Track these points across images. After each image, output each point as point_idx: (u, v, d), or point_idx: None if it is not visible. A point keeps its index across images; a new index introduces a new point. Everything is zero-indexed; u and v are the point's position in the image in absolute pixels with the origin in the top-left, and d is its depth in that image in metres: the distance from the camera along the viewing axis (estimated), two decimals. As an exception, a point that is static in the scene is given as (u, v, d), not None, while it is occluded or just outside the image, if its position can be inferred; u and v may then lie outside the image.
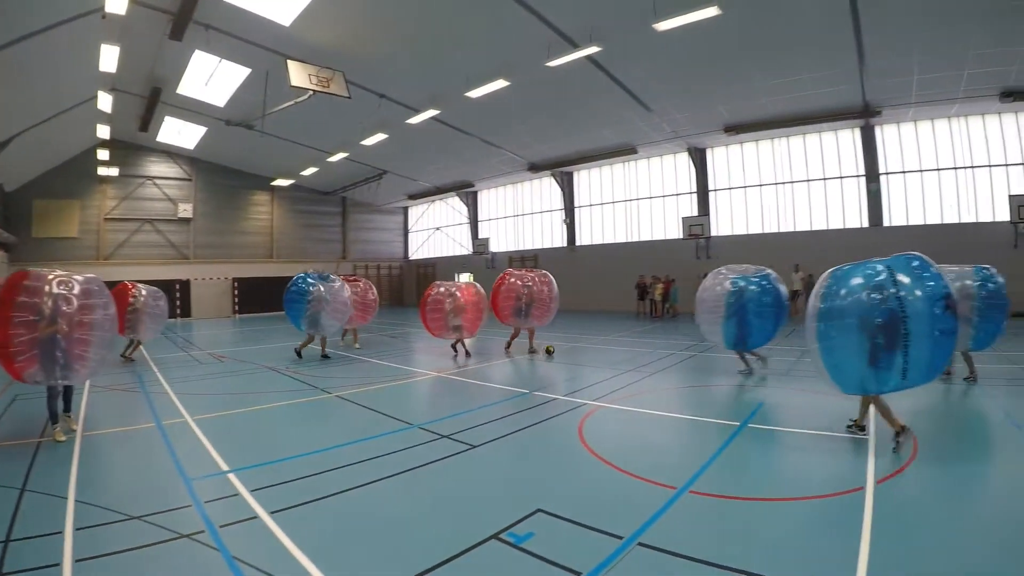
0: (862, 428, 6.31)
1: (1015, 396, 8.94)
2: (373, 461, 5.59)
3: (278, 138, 25.05)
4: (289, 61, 16.59)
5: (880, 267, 5.73)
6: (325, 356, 13.38)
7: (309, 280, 13.35)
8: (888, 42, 17.46)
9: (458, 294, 13.50)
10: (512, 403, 8.46)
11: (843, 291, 5.78)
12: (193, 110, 23.07)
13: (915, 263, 5.72)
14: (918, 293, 5.39)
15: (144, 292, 13.48)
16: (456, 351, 13.70)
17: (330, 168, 30.25)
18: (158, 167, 30.60)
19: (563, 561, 3.53)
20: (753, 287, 9.98)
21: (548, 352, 13.59)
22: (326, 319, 13.13)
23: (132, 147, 28.70)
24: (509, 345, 14.31)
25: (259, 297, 32.18)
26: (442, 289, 13.76)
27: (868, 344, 5.58)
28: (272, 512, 4.26)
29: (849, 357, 5.71)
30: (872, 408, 6.24)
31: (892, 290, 5.44)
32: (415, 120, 22.04)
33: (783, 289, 10.37)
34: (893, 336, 5.36)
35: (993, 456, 5.96)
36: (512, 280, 14.16)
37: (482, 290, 14.17)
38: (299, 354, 13.36)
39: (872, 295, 5.57)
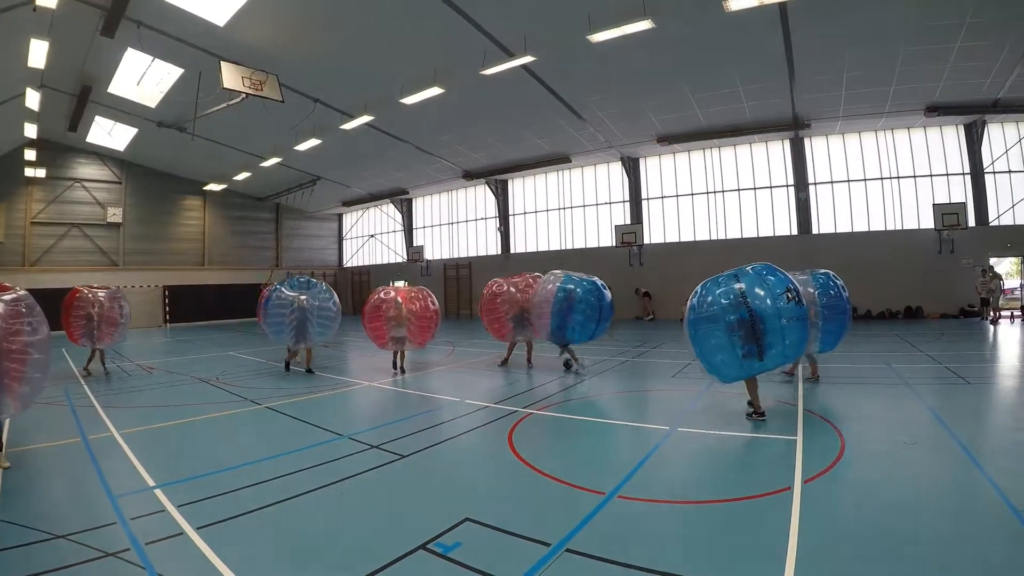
0: (761, 414, 7.83)
1: (942, 395, 9.71)
2: (302, 473, 5.79)
3: (211, 141, 25.37)
4: (222, 62, 16.68)
5: (731, 277, 7.70)
6: (309, 371, 12.87)
7: (285, 290, 12.87)
8: (818, 58, 18.84)
9: (400, 301, 12.81)
10: (444, 412, 8.90)
11: (708, 300, 7.68)
12: (124, 110, 23.15)
13: (762, 270, 7.73)
14: (761, 292, 7.39)
15: (102, 295, 13.20)
16: (395, 367, 12.97)
17: (263, 173, 30.72)
18: (87, 169, 30.62)
19: (490, 570, 3.73)
20: (579, 289, 11.87)
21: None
22: (314, 329, 12.72)
23: (60, 147, 28.52)
24: (506, 361, 13.84)
25: (190, 306, 32.30)
26: (383, 295, 13.12)
27: (732, 340, 7.44)
28: (198, 528, 4.38)
29: (720, 353, 7.59)
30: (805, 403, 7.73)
31: (741, 293, 7.44)
32: (349, 126, 22.63)
33: (608, 294, 12.15)
34: (750, 331, 7.31)
35: (919, 453, 6.47)
36: (506, 288, 13.94)
37: (435, 299, 13.53)
38: (288, 366, 13.16)
39: (727, 301, 7.48)
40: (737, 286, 7.50)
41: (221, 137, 25.38)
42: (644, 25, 14.90)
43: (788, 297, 7.42)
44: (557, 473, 5.70)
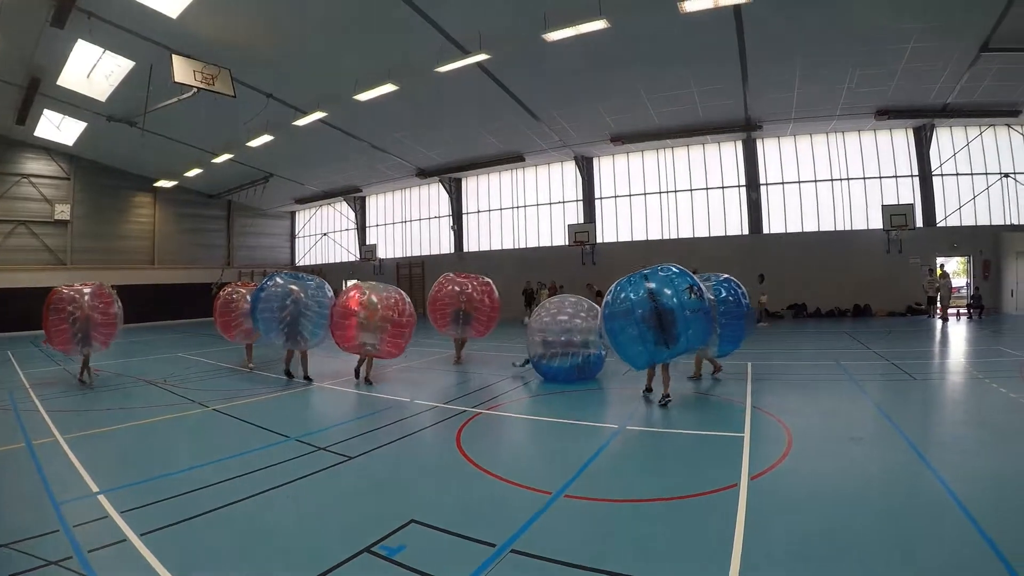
0: (650, 390, 9.43)
1: (889, 391, 10.32)
2: (248, 476, 5.87)
3: (161, 136, 25.33)
4: (174, 56, 16.72)
5: (642, 276, 9.02)
6: (308, 378, 11.75)
7: (279, 280, 11.79)
8: (771, 61, 19.78)
9: (376, 302, 11.60)
10: (392, 412, 9.08)
11: (621, 297, 9.03)
12: (74, 104, 23.06)
13: (672, 270, 9.08)
14: (667, 290, 8.71)
15: (86, 293, 11.91)
16: (358, 375, 11.92)
17: (215, 170, 30.86)
18: (35, 164, 30.12)
19: (435, 572, 3.84)
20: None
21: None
22: (308, 328, 11.49)
23: (7, 141, 28.31)
24: (458, 359, 14.47)
25: (140, 306, 31.09)
26: (355, 295, 11.84)
27: (642, 331, 8.71)
28: (142, 534, 4.43)
29: (633, 343, 8.85)
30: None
31: (648, 288, 8.76)
32: (303, 122, 23.10)
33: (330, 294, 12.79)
34: (658, 322, 8.63)
35: (865, 449, 6.76)
36: (451, 287, 14.36)
37: (409, 303, 12.37)
38: (289, 375, 12.05)
39: (637, 297, 8.82)
40: (647, 284, 8.82)
41: (172, 132, 25.44)
42: (599, 25, 15.53)
43: (691, 293, 8.75)
44: (504, 473, 5.94)
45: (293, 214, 43.72)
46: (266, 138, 24.73)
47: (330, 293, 12.02)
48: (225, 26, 17.31)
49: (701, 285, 9.15)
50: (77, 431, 8.11)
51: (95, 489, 5.58)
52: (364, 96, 20.52)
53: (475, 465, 6.27)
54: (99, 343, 12.12)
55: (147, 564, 4.02)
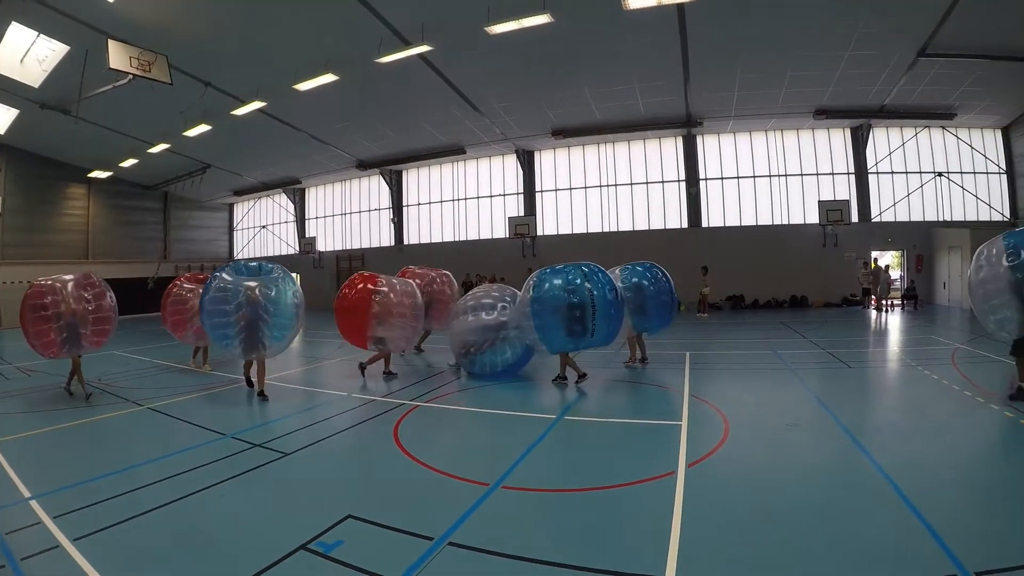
0: (564, 378, 10.46)
1: (824, 378, 10.99)
2: (184, 475, 5.92)
3: (96, 125, 25.34)
4: (110, 41, 16.51)
5: (570, 268, 10.25)
6: (262, 395, 10.09)
7: (226, 276, 10.05)
8: (713, 60, 20.78)
9: (385, 289, 11.90)
10: (330, 407, 9.29)
11: (545, 286, 10.19)
12: (5, 90, 22.66)
13: (593, 267, 10.37)
14: (589, 287, 9.95)
15: (70, 286, 10.34)
16: (364, 373, 11.97)
17: (151, 160, 30.46)
18: None
19: (372, 567, 3.94)
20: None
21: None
22: (268, 333, 9.85)
23: None
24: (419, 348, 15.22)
25: None
26: (382, 285, 11.98)
27: (565, 320, 9.93)
28: (75, 539, 4.44)
29: (553, 329, 10.06)
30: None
31: (579, 283, 10.01)
32: (241, 112, 23.31)
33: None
34: (581, 314, 9.86)
35: (801, 435, 7.15)
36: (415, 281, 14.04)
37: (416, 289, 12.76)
38: (251, 382, 10.63)
39: (570, 289, 10.03)
40: (578, 280, 10.07)
41: (107, 121, 25.44)
42: (542, 19, 16.12)
43: (614, 293, 10.22)
44: (441, 465, 6.13)
45: (231, 206, 43.73)
46: (203, 128, 24.91)
47: (297, 289, 10.48)
48: (163, 11, 17.14)
49: (618, 286, 10.64)
50: (7, 434, 8.00)
51: (27, 494, 5.59)
52: (304, 86, 20.82)
53: (412, 458, 6.47)
54: (90, 344, 10.60)
55: (81, 570, 4.06)
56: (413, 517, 4.77)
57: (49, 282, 10.39)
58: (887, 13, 18.14)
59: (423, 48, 18.47)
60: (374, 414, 8.75)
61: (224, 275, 10.18)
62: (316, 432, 7.83)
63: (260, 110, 23.86)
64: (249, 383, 10.71)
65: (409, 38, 18.49)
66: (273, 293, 10.00)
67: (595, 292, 10.06)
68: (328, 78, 20.45)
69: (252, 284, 9.94)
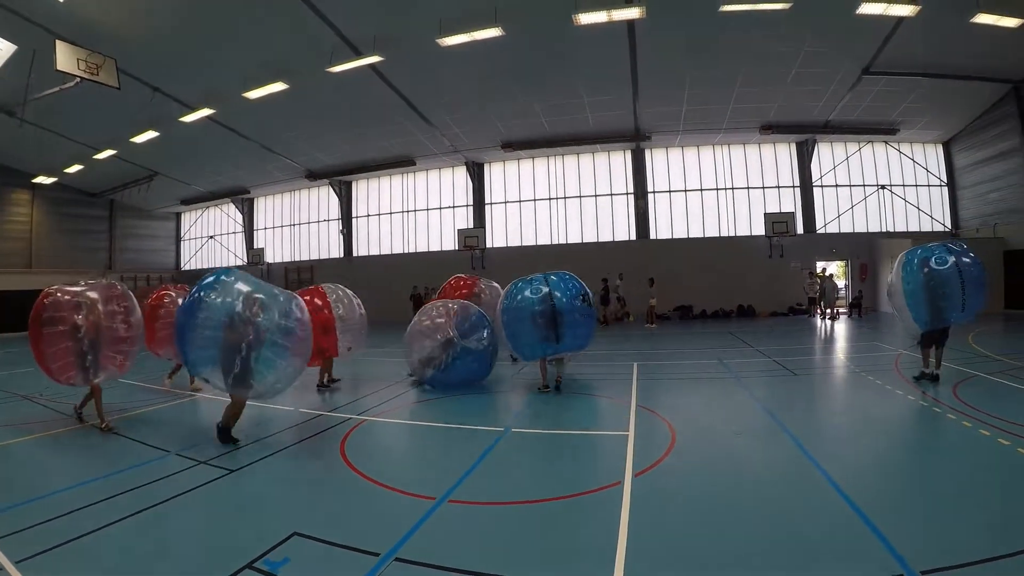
0: (547, 387, 10.89)
1: (770, 386, 11.33)
2: (129, 494, 5.79)
3: (42, 128, 25.08)
4: (58, 42, 16.23)
5: (541, 279, 10.78)
6: (232, 440, 7.90)
7: (227, 281, 7.76)
8: (662, 76, 21.75)
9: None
10: (276, 422, 9.16)
11: (518, 297, 10.73)
12: None
13: (565, 275, 10.98)
14: (558, 295, 10.49)
15: (92, 295, 8.80)
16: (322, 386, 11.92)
17: (97, 166, 30.45)
18: None
19: None
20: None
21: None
22: (271, 367, 7.63)
23: None
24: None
25: (14, 314, 27.29)
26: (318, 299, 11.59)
27: (536, 327, 10.44)
28: (18, 561, 4.41)
29: (526, 337, 10.64)
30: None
31: (546, 290, 10.52)
32: (190, 119, 23.49)
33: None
34: (551, 321, 10.36)
35: (747, 443, 7.32)
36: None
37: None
38: (232, 439, 7.92)
39: (536, 297, 10.57)
40: (544, 288, 10.62)
41: (53, 125, 25.17)
42: (494, 32, 16.83)
43: (582, 299, 10.77)
44: (389, 480, 6.13)
45: (179, 215, 43.57)
46: (151, 134, 24.94)
47: (299, 305, 8.26)
48: (112, 13, 17.17)
49: (590, 293, 11.18)
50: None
51: (-34, 515, 5.27)
52: (254, 94, 21.23)
53: (359, 473, 6.48)
54: (114, 367, 9.13)
55: (25, 592, 3.88)
56: (359, 533, 4.85)
57: (72, 296, 8.76)
58: (832, 33, 19.35)
59: (374, 59, 19.03)
60: (321, 429, 8.70)
61: (221, 283, 7.78)
62: (262, 448, 7.71)
63: (209, 117, 24.14)
64: (231, 440, 7.98)
65: (360, 48, 18.99)
66: (276, 315, 7.73)
67: (564, 299, 10.67)
68: (278, 86, 20.93)
69: (262, 297, 7.80)
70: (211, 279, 7.88)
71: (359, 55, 19.00)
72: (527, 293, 10.84)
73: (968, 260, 10.14)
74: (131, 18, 17.64)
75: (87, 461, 7.54)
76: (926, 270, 10.18)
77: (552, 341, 10.66)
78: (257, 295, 7.81)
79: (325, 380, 12.18)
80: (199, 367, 7.92)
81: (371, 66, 20.01)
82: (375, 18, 17.79)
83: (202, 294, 7.70)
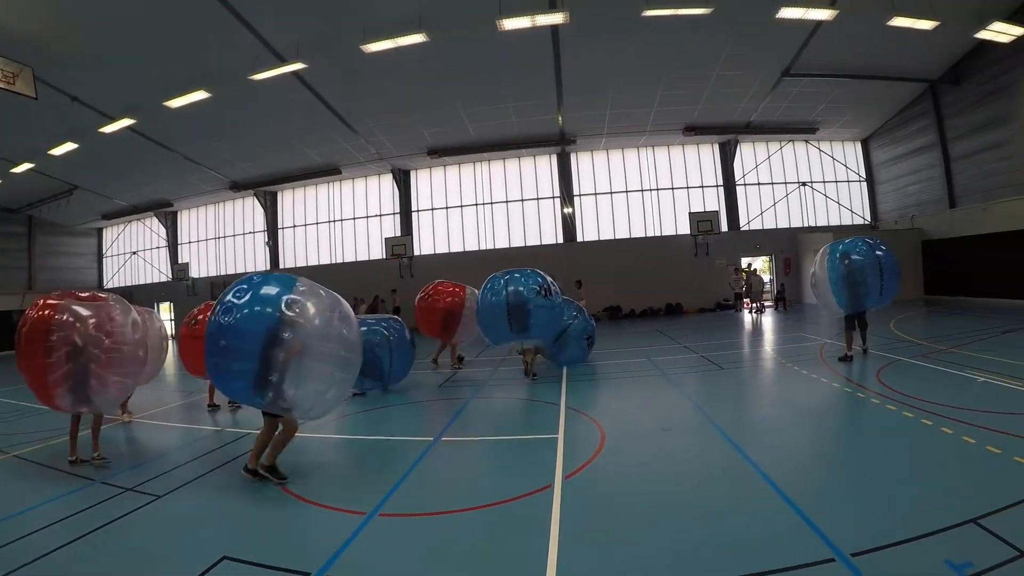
0: (534, 375, 12.58)
1: (698, 382, 11.85)
2: (52, 528, 5.74)
3: None
4: None
5: (503, 277, 12.34)
6: (280, 477, 6.90)
7: (260, 284, 6.77)
8: (586, 80, 22.42)
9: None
10: (204, 443, 9.12)
11: (489, 290, 12.29)
12: None
13: (528, 271, 12.48)
14: (522, 290, 12.00)
15: (84, 311, 7.83)
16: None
17: (14, 181, 29.55)
18: None
19: None
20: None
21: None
22: (315, 379, 6.67)
23: None
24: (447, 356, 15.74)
25: None
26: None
27: (508, 317, 11.87)
28: None
29: (499, 327, 12.14)
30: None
31: (510, 288, 12.02)
32: (109, 129, 22.99)
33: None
34: (521, 314, 11.88)
35: (676, 438, 7.61)
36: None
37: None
38: (272, 472, 6.97)
39: (503, 291, 12.05)
40: (509, 287, 12.09)
41: None
42: (417, 39, 17.11)
43: (539, 292, 12.06)
44: (318, 497, 6.18)
45: (100, 231, 42.93)
46: (70, 146, 24.64)
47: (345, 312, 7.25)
48: (28, 19, 16.87)
49: (553, 286, 12.49)
50: None
51: None
52: (176, 103, 21.21)
53: (288, 492, 6.49)
54: (113, 392, 8.25)
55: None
56: (290, 553, 4.93)
57: (57, 311, 7.80)
58: (753, 36, 20.27)
59: (297, 66, 19.09)
60: (248, 448, 7.74)
61: (252, 294, 6.68)
62: (189, 471, 7.65)
63: (130, 128, 23.92)
64: (271, 473, 7.09)
65: (284, 55, 19.04)
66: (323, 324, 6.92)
67: (525, 293, 12.13)
68: (200, 95, 20.95)
69: (312, 305, 6.90)
70: (232, 294, 6.82)
71: (283, 62, 19.04)
72: (498, 289, 12.32)
73: (881, 252, 12.02)
74: (47, 26, 17.37)
75: (9, 492, 7.31)
76: (847, 262, 11.96)
77: (523, 331, 12.17)
78: (310, 303, 6.96)
79: (212, 400, 11.85)
80: (238, 390, 7.13)
81: (295, 74, 20.12)
82: (299, 25, 17.92)
83: (230, 313, 6.64)
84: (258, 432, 7.22)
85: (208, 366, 6.88)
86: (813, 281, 12.75)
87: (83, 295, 8.16)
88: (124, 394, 8.92)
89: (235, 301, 6.53)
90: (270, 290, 6.69)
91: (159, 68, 19.79)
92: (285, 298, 6.59)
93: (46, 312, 7.74)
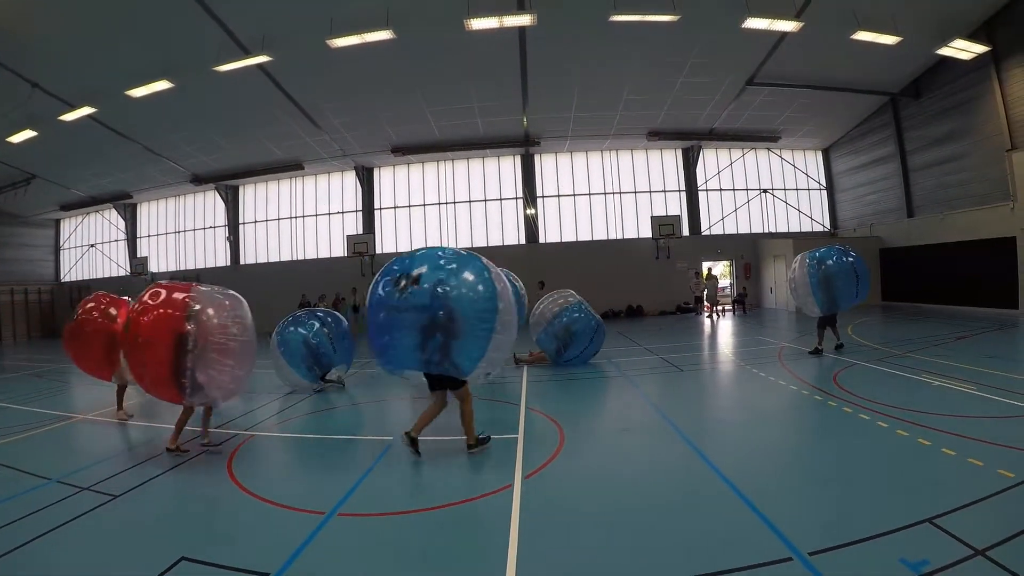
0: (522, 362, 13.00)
1: (657, 383, 12.04)
2: (6, 529, 5.70)
3: None
4: None
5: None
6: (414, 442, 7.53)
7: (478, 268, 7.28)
8: (552, 82, 22.86)
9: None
10: (159, 442, 8.92)
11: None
12: None
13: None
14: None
15: (238, 305, 8.26)
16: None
17: None
18: None
19: None
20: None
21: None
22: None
23: None
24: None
25: None
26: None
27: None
28: None
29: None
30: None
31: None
32: (70, 117, 23.04)
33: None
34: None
35: (634, 438, 7.88)
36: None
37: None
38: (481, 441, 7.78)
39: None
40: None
41: None
42: (385, 35, 17.32)
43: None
44: (277, 497, 6.22)
45: (58, 223, 42.64)
46: (29, 134, 24.44)
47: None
48: None
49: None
50: None
51: None
52: (138, 92, 21.15)
53: (247, 491, 6.53)
54: (231, 384, 8.45)
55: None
56: (249, 553, 4.92)
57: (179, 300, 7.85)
58: (718, 45, 20.98)
59: (262, 58, 19.23)
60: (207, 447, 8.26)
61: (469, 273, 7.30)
62: (147, 470, 7.60)
63: (91, 116, 23.88)
64: (480, 442, 7.94)
65: (249, 47, 19.14)
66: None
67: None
68: (163, 85, 20.95)
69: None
70: (399, 268, 7.51)
71: (248, 54, 19.12)
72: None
73: (852, 258, 13.76)
74: (8, 8, 17.33)
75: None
76: (823, 267, 13.57)
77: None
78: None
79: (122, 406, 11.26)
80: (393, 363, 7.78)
81: (260, 67, 20.23)
82: (265, 17, 17.96)
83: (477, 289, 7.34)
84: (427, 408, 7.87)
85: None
86: (793, 285, 14.26)
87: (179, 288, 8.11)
88: (240, 387, 8.82)
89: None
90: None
91: (122, 56, 19.78)
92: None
93: (171, 307, 7.86)
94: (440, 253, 7.55)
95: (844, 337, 15.59)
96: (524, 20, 17.60)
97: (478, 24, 17.25)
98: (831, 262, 13.63)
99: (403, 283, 7.21)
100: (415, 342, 7.13)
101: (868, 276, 13.84)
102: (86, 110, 23.03)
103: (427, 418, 7.73)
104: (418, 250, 7.82)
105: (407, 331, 7.14)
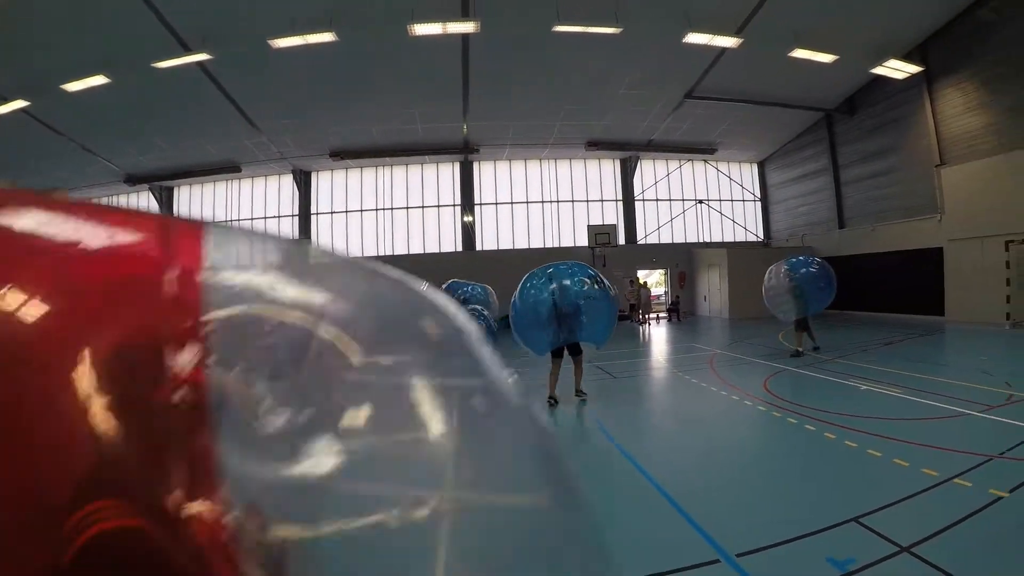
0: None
1: (590, 391, 12.05)
2: None
3: None
4: None
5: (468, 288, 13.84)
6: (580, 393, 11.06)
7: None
8: (492, 90, 23.46)
9: None
10: None
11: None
12: None
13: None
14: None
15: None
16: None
17: None
18: None
19: None
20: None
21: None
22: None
23: None
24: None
25: None
26: None
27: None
28: None
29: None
30: None
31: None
32: (2, 111, 22.61)
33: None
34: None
35: (564, 447, 8.55)
36: None
37: None
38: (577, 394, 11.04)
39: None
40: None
41: None
42: (327, 37, 17.62)
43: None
44: None
45: None
46: None
47: None
48: None
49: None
50: None
51: None
52: (74, 86, 21.10)
53: None
54: None
55: None
56: None
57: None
58: (659, 58, 21.81)
59: (202, 56, 19.44)
60: None
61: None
62: None
63: (23, 110, 23.51)
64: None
65: (190, 44, 19.23)
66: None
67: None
68: (100, 80, 20.86)
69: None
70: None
71: (187, 51, 19.32)
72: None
73: (816, 268, 15.80)
74: None
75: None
76: (797, 275, 15.24)
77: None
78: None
79: None
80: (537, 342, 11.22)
81: (200, 65, 20.51)
82: (206, 14, 18.18)
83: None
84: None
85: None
86: (769, 292, 15.81)
87: None
88: None
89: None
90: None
91: (59, 48, 19.59)
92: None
93: None
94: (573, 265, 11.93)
95: (775, 344, 16.84)
96: (467, 27, 18.12)
97: (421, 30, 17.68)
98: (804, 270, 15.35)
99: (587, 284, 10.93)
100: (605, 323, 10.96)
101: (834, 281, 15.65)
102: (18, 104, 22.90)
103: (555, 379, 10.50)
104: (560, 263, 12.09)
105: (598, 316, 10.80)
